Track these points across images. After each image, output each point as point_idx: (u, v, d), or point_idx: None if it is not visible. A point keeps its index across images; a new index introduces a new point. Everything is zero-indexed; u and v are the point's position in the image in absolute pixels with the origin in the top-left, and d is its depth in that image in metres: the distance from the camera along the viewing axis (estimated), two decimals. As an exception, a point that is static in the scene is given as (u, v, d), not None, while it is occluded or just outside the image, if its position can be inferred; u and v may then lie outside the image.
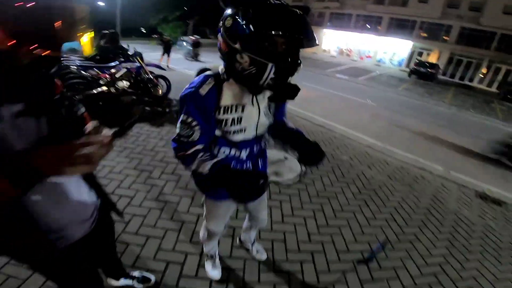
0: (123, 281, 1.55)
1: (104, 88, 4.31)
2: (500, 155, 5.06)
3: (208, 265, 1.77)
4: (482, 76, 22.43)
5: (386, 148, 4.73)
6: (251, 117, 1.06)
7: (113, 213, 1.13)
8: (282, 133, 1.22)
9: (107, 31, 6.38)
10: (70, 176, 0.80)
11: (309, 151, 1.12)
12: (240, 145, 1.11)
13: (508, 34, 20.36)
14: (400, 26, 25.18)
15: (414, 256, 2.25)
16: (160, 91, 5.11)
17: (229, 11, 0.90)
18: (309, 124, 5.19)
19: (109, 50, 5.40)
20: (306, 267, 1.94)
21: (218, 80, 0.99)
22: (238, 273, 1.81)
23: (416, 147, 5.22)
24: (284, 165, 1.27)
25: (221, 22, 0.92)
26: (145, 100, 4.74)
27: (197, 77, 1.01)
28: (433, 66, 18.94)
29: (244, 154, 1.14)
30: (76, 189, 0.88)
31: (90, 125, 0.77)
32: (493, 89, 20.61)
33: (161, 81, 5.28)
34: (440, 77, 21.30)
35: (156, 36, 15.17)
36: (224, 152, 1.11)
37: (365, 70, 19.01)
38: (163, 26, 31.55)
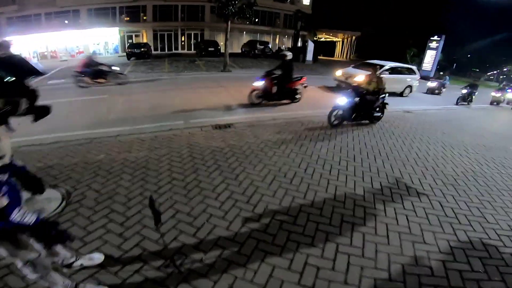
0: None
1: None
2: None
3: None
4: (182, 43, 28.37)
5: (135, 128, 5.11)
6: (7, 145, 1.23)
7: None
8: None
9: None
10: None
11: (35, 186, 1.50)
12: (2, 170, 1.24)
13: (186, 5, 26.50)
14: (102, 15, 24.73)
15: (209, 195, 3.02)
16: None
17: None
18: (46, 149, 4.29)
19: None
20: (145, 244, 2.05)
21: None
22: None
23: (158, 113, 6.12)
24: (37, 201, 1.42)
25: None
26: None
27: None
28: (144, 45, 21.10)
29: (3, 177, 1.24)
30: None
31: None
32: (192, 51, 27.00)
33: None
34: (154, 52, 24.29)
35: None
36: None
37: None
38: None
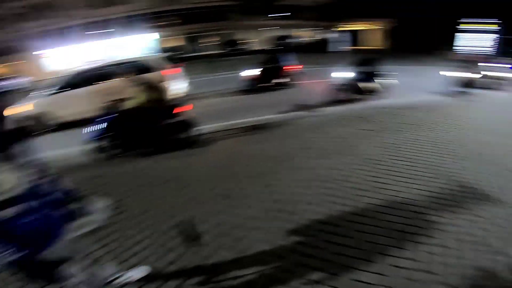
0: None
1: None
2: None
3: None
4: (208, 44, 28.63)
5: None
6: None
7: None
8: None
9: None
10: None
11: None
12: None
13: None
14: (137, 22, 26.01)
15: (248, 202, 2.86)
16: None
17: None
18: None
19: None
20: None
21: None
22: None
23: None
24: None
25: None
26: None
27: None
28: (179, 48, 22.06)
29: None
30: None
31: None
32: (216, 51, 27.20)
33: None
34: (185, 55, 25.09)
35: None
36: None
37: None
38: None
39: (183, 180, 3.35)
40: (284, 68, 8.64)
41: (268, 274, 1.98)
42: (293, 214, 2.59)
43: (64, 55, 24.52)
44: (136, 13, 26.13)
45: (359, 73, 6.76)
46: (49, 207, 1.28)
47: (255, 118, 5.59)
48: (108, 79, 6.25)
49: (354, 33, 35.19)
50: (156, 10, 26.32)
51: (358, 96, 6.80)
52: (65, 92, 6.29)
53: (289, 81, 8.84)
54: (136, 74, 3.96)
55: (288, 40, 24.66)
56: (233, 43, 22.05)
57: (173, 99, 4.13)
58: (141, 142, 4.16)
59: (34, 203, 1.19)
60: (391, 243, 2.19)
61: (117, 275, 1.85)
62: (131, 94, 4.14)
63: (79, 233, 1.42)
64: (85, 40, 25.56)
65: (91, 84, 6.31)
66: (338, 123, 5.04)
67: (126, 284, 1.89)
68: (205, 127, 4.75)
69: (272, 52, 8.82)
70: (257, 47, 14.66)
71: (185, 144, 4.29)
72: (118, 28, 26.19)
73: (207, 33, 28.44)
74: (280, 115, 5.78)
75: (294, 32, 30.04)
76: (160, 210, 2.79)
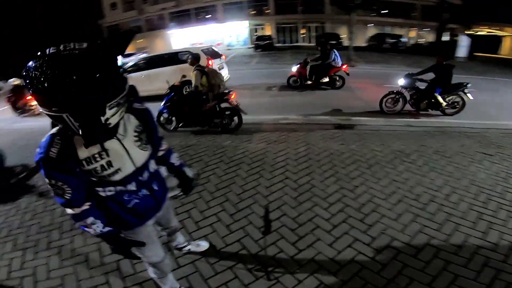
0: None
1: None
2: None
3: None
4: (303, 36, 28.36)
5: (255, 118, 5.06)
6: (121, 156, 1.04)
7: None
8: (166, 166, 1.41)
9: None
10: None
11: (185, 185, 1.46)
12: (123, 181, 1.09)
13: None
14: (234, 10, 27.95)
15: (319, 202, 2.58)
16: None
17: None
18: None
19: None
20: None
21: (65, 136, 0.94)
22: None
23: (277, 106, 6.04)
24: (171, 180, 1.44)
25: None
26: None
27: (44, 139, 0.94)
28: (268, 37, 22.48)
29: (132, 186, 1.13)
30: None
31: None
32: (312, 43, 26.39)
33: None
34: (277, 45, 25.35)
35: None
36: (110, 191, 1.09)
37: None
38: None
39: (261, 165, 3.34)
40: (335, 67, 7.50)
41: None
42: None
43: (181, 35, 28.45)
44: (238, 0, 27.71)
45: (433, 82, 5.16)
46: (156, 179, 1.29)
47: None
48: (172, 65, 7.35)
49: (493, 38, 28.47)
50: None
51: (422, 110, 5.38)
52: (138, 72, 7.53)
53: (338, 82, 7.74)
54: (192, 62, 4.41)
55: (389, 40, 21.81)
56: (328, 36, 20.78)
57: (220, 86, 4.37)
58: (197, 121, 4.53)
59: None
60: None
61: (184, 244, 1.94)
62: (188, 78, 4.61)
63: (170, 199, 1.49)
64: (195, 23, 28.84)
65: (158, 67, 7.47)
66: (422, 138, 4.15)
67: (189, 253, 1.99)
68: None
69: (324, 49, 7.48)
70: (352, 43, 13.40)
71: (231, 129, 4.45)
72: (221, 14, 28.41)
73: (302, 24, 28.10)
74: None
75: (405, 31, 26.60)
76: (233, 191, 2.83)
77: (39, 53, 0.80)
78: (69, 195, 0.97)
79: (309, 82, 7.76)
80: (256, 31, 28.81)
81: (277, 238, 2.17)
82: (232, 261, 1.98)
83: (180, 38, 29.04)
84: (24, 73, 0.79)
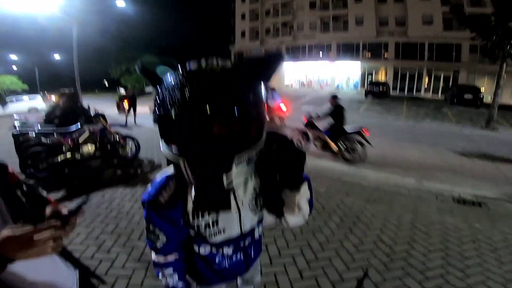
0: None
1: (68, 154, 4.13)
2: None
3: None
4: (427, 85, 24.92)
5: (357, 171, 4.92)
6: (231, 217, 0.89)
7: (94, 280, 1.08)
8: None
9: (66, 91, 6.18)
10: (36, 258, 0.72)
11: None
12: (222, 244, 0.94)
13: (435, 43, 23.35)
14: (347, 50, 27.85)
15: (412, 273, 2.27)
16: (129, 152, 5.02)
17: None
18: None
19: (68, 112, 5.00)
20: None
21: (180, 182, 0.79)
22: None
23: (386, 164, 5.54)
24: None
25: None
26: (115, 163, 4.57)
27: (159, 177, 0.85)
28: (383, 84, 21.01)
29: (228, 251, 0.96)
30: (51, 265, 0.81)
31: (48, 209, 0.76)
32: (439, 96, 22.95)
33: (130, 141, 5.19)
34: (392, 92, 23.28)
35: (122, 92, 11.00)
36: (204, 250, 0.95)
37: (327, 98, 20.45)
38: (126, 78, 31.16)
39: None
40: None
41: None
42: None
43: (292, 70, 30.56)
44: (354, 41, 27.53)
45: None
46: None
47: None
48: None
49: None
50: (373, 41, 26.40)
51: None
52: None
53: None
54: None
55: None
56: (462, 89, 16.85)
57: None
58: None
59: None
60: None
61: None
62: None
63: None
64: (306, 58, 30.45)
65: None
66: None
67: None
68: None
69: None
70: (497, 100, 10.82)
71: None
72: (334, 52, 28.87)
73: (428, 71, 24.85)
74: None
75: None
76: (316, 238, 2.76)
77: (176, 65, 0.70)
78: (161, 244, 0.88)
79: None
80: (370, 75, 27.44)
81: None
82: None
83: (290, 72, 30.88)
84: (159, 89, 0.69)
